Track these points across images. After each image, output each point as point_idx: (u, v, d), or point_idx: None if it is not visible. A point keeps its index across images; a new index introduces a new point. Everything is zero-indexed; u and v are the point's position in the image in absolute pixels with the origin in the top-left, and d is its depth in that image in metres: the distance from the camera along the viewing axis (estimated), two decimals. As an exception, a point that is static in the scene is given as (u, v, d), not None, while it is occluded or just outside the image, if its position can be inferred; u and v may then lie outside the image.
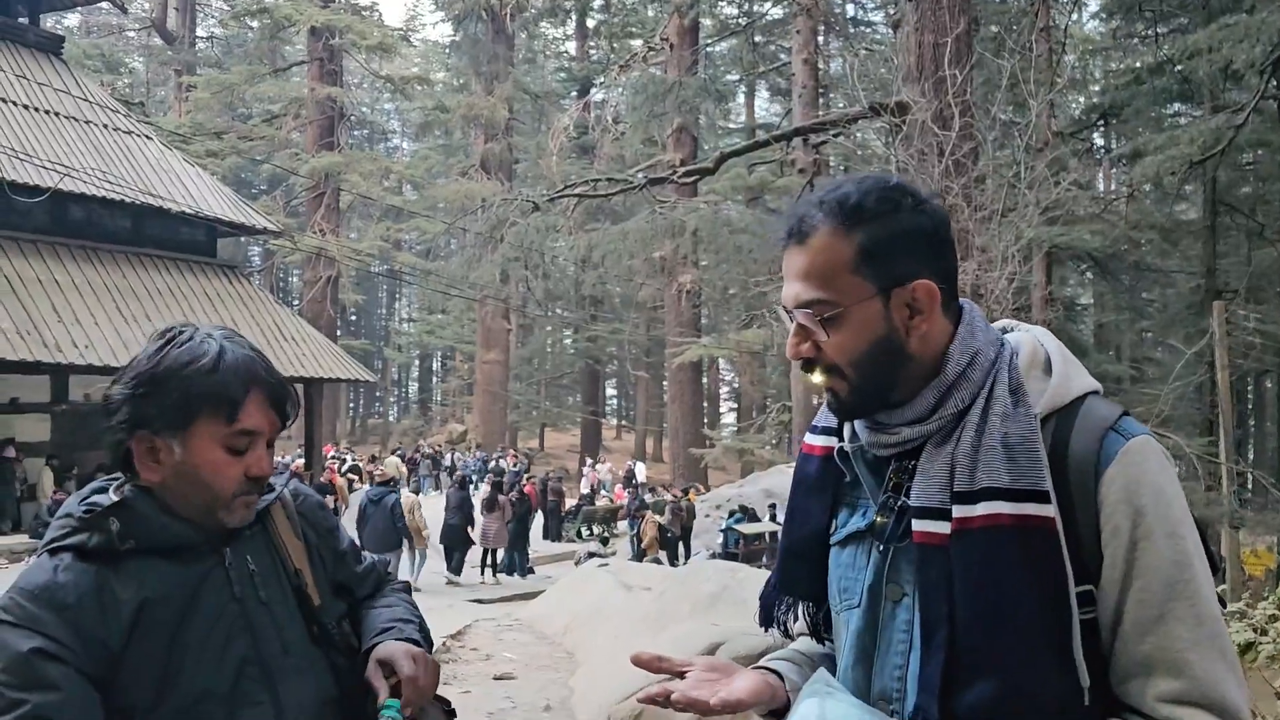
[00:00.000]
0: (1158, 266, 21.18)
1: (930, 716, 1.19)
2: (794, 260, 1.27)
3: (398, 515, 12.82)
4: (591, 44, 40.02)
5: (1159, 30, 17.99)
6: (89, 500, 1.40)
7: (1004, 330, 1.36)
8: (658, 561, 16.16)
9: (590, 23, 39.05)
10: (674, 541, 17.88)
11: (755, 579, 7.97)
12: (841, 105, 25.72)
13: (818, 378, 1.29)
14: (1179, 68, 14.93)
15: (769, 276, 12.05)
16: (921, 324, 1.25)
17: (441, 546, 15.21)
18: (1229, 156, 13.64)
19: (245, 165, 37.87)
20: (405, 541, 13.30)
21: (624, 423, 51.87)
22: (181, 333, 1.41)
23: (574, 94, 37.18)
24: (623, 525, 21.74)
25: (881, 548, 1.29)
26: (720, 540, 16.75)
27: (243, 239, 29.92)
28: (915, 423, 1.26)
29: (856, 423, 1.33)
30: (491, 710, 6.77)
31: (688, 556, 17.35)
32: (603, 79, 30.87)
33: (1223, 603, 1.33)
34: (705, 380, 35.66)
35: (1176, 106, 20.18)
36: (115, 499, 1.39)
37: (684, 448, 28.11)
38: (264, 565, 1.46)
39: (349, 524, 11.46)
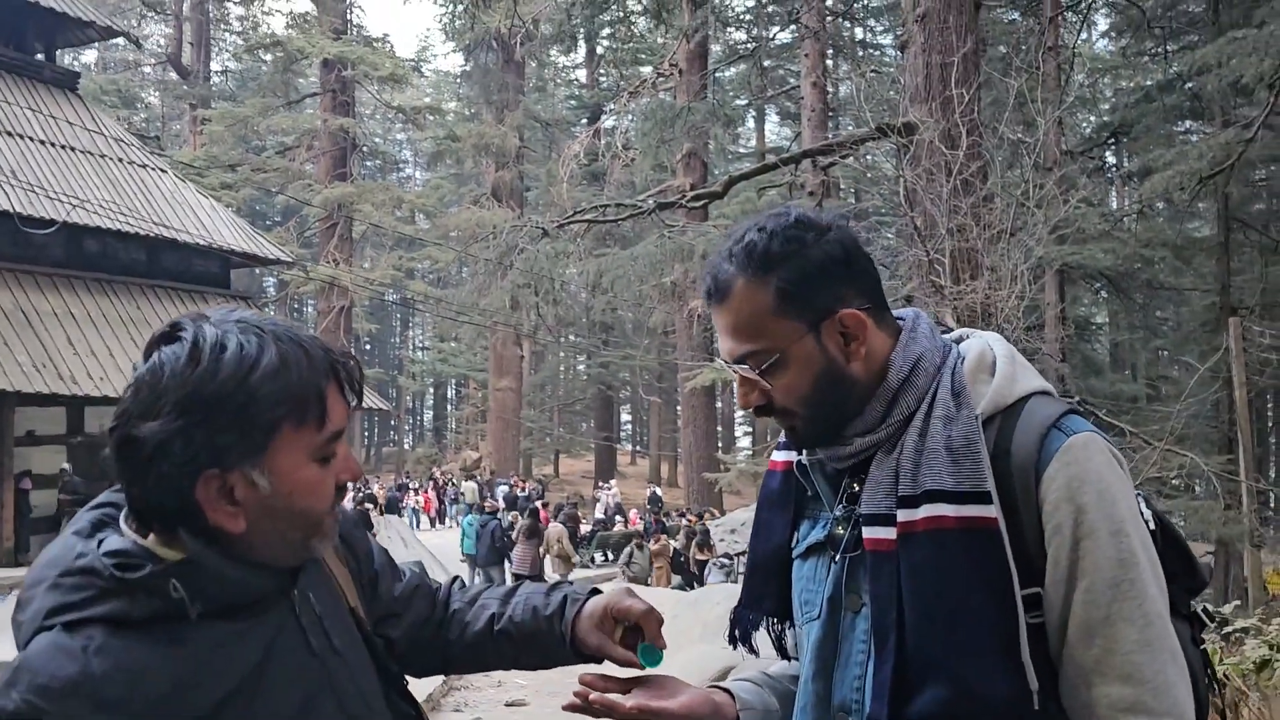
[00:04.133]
0: (1171, 284, 21.09)
1: None
2: (721, 318, 1.28)
3: (497, 538, 14.52)
4: (601, 71, 40.29)
5: (1169, 48, 18.03)
6: (113, 551, 1.03)
7: (959, 339, 1.36)
8: (686, 585, 16.12)
9: (599, 50, 39.37)
10: (687, 566, 17.79)
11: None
12: (850, 127, 25.80)
13: (777, 420, 1.31)
14: (1189, 84, 14.94)
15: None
16: (859, 347, 1.26)
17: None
18: (1240, 172, 13.60)
19: (259, 197, 38.23)
20: (506, 561, 14.82)
21: (638, 448, 51.76)
22: (199, 334, 1.05)
23: (584, 121, 37.44)
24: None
25: (838, 558, 1.29)
26: (725, 563, 16.62)
27: (257, 270, 30.15)
28: (867, 433, 1.27)
29: None
30: (504, 738, 6.71)
31: (702, 580, 17.24)
32: (612, 105, 31.09)
33: (1210, 617, 1.30)
34: (719, 404, 35.59)
35: (1188, 124, 20.17)
36: (164, 551, 1.04)
37: (698, 472, 28.00)
38: (328, 605, 1.20)
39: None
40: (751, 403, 1.28)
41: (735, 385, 1.30)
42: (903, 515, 1.20)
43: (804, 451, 1.36)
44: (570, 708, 1.28)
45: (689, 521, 19.99)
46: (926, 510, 1.19)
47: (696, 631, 7.15)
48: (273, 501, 1.06)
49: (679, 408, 36.08)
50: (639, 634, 1.31)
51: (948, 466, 1.19)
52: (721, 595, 8.05)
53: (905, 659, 1.18)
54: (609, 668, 1.32)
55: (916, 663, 1.17)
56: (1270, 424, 29.98)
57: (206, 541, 1.05)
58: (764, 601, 1.44)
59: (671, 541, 17.80)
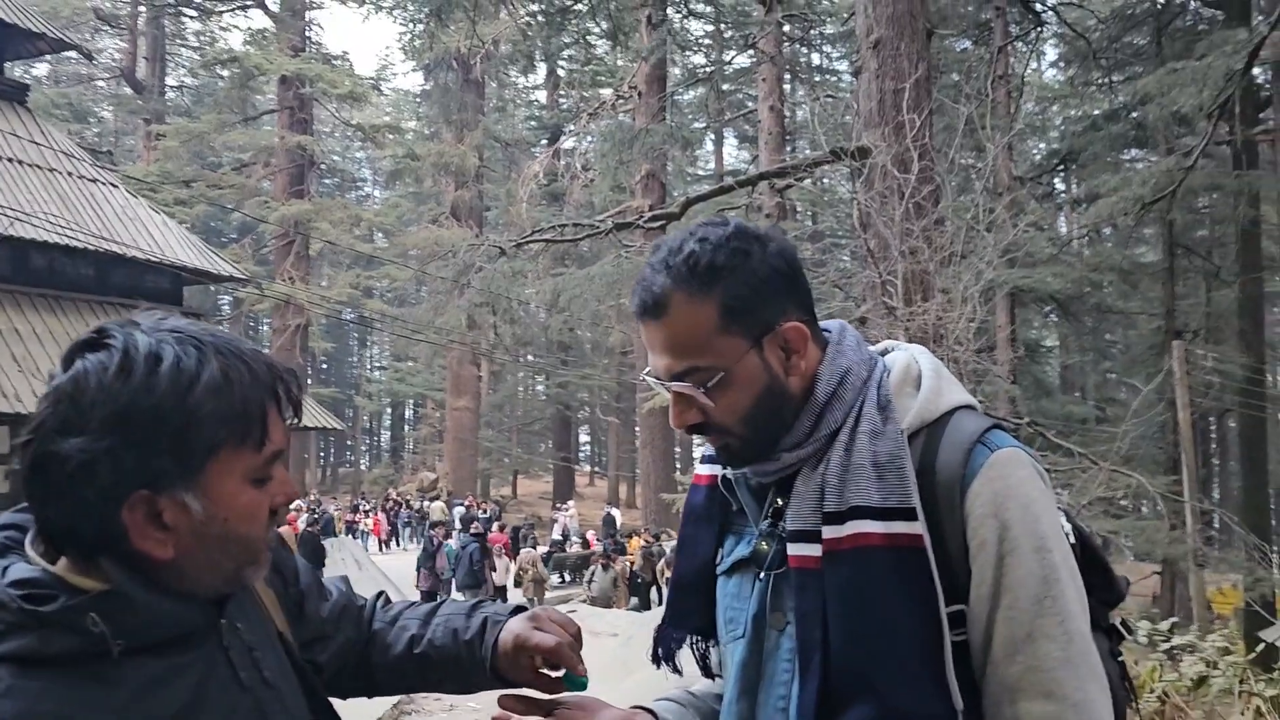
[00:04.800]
0: (1119, 308, 21.52)
1: None
2: (655, 333, 1.22)
3: (476, 561, 15.22)
4: (561, 93, 40.42)
5: (1114, 78, 18.47)
6: (20, 580, 0.93)
7: (884, 351, 1.34)
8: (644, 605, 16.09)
9: (560, 71, 39.52)
10: (644, 587, 17.74)
11: (723, 623, 7.89)
12: (806, 150, 26.10)
13: (707, 438, 1.28)
14: (1133, 114, 15.33)
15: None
16: (799, 361, 1.23)
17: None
18: (1183, 199, 13.94)
19: (214, 213, 37.76)
20: (485, 584, 15.41)
21: (596, 469, 51.62)
22: (130, 342, 0.95)
23: (544, 142, 37.49)
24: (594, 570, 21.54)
25: (763, 575, 1.26)
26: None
27: (212, 287, 29.74)
28: (794, 448, 1.23)
29: None
30: (454, 762, 6.62)
31: (660, 602, 17.21)
32: (572, 126, 31.17)
33: (1129, 630, 1.32)
34: (677, 425, 35.61)
35: (1132, 152, 20.66)
36: (79, 580, 0.94)
37: (655, 493, 27.98)
38: (257, 633, 1.11)
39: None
40: (687, 421, 1.23)
41: (669, 404, 1.26)
42: (829, 532, 1.18)
43: (728, 466, 1.33)
44: None
45: (645, 543, 19.95)
46: (852, 527, 1.17)
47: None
48: (206, 527, 0.97)
49: (637, 428, 36.10)
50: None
51: (874, 482, 1.17)
52: (676, 615, 8.02)
53: (831, 678, 1.16)
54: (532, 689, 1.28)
55: (842, 682, 1.15)
56: (1214, 445, 30.64)
57: (130, 569, 0.95)
58: (689, 619, 1.40)
59: (626, 562, 17.75)
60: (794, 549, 1.21)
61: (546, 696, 1.27)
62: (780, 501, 1.27)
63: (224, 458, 0.97)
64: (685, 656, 1.43)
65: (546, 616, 1.30)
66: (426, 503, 30.66)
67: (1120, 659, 1.31)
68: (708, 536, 1.37)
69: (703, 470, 1.41)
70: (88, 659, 0.91)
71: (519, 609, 1.35)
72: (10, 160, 16.62)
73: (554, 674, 1.27)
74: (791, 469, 1.25)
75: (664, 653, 1.44)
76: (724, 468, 1.34)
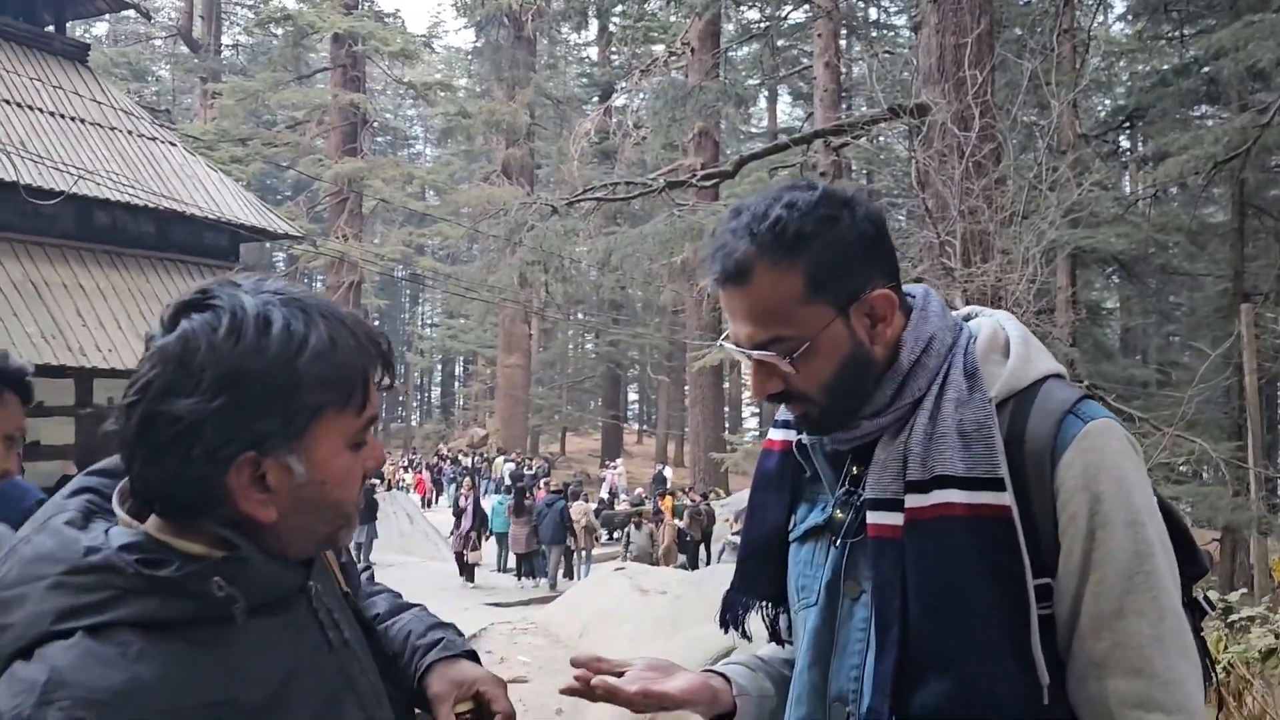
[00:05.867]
0: (1185, 270, 20.94)
1: (883, 717, 1.15)
2: (737, 301, 1.18)
3: (566, 517, 16.51)
4: (613, 49, 40.04)
5: (1185, 31, 17.81)
6: (128, 545, 0.92)
7: (967, 317, 1.31)
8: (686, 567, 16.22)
9: (611, 27, 39.12)
10: (693, 546, 17.84)
11: (773, 584, 7.89)
12: (863, 108, 25.62)
13: (788, 405, 1.25)
14: (1205, 69, 14.78)
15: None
16: (885, 330, 1.20)
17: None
18: (1256, 158, 13.46)
19: (270, 171, 38.19)
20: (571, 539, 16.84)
21: (645, 427, 51.82)
22: (237, 304, 0.95)
23: (596, 99, 37.23)
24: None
25: (839, 543, 1.25)
26: (736, 542, 16.65)
27: (267, 244, 30.16)
28: (874, 415, 1.21)
29: None
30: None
31: (708, 561, 17.29)
32: (624, 84, 30.91)
33: (1211, 605, 1.27)
34: (727, 384, 35.58)
35: (1204, 108, 19.95)
36: (180, 543, 0.94)
37: (704, 452, 28.03)
38: (333, 596, 1.13)
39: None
40: (767, 390, 1.21)
41: (749, 372, 1.24)
42: (911, 501, 1.16)
43: (805, 433, 1.30)
44: (569, 691, 1.24)
45: (692, 501, 20.00)
46: (936, 496, 1.14)
47: (700, 611, 7.13)
48: (306, 490, 0.98)
49: (686, 387, 36.10)
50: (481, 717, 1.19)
51: (959, 451, 1.14)
52: (728, 576, 8.03)
53: (908, 651, 1.14)
54: (602, 650, 1.27)
55: (920, 655, 1.13)
56: (1280, 412, 29.85)
57: (244, 535, 0.96)
58: (758, 585, 1.40)
59: (676, 521, 17.84)
60: (873, 517, 1.19)
61: (619, 659, 1.27)
62: (857, 469, 1.25)
63: (326, 421, 0.98)
64: (753, 621, 1.43)
65: (479, 688, 1.20)
66: (487, 460, 31.12)
67: (1201, 634, 1.27)
68: (779, 502, 1.35)
69: (775, 435, 1.38)
70: (203, 623, 0.92)
71: (473, 653, 1.27)
72: (73, 119, 16.92)
73: None
74: (871, 437, 1.22)
75: (732, 618, 1.44)
76: (798, 433, 1.32)
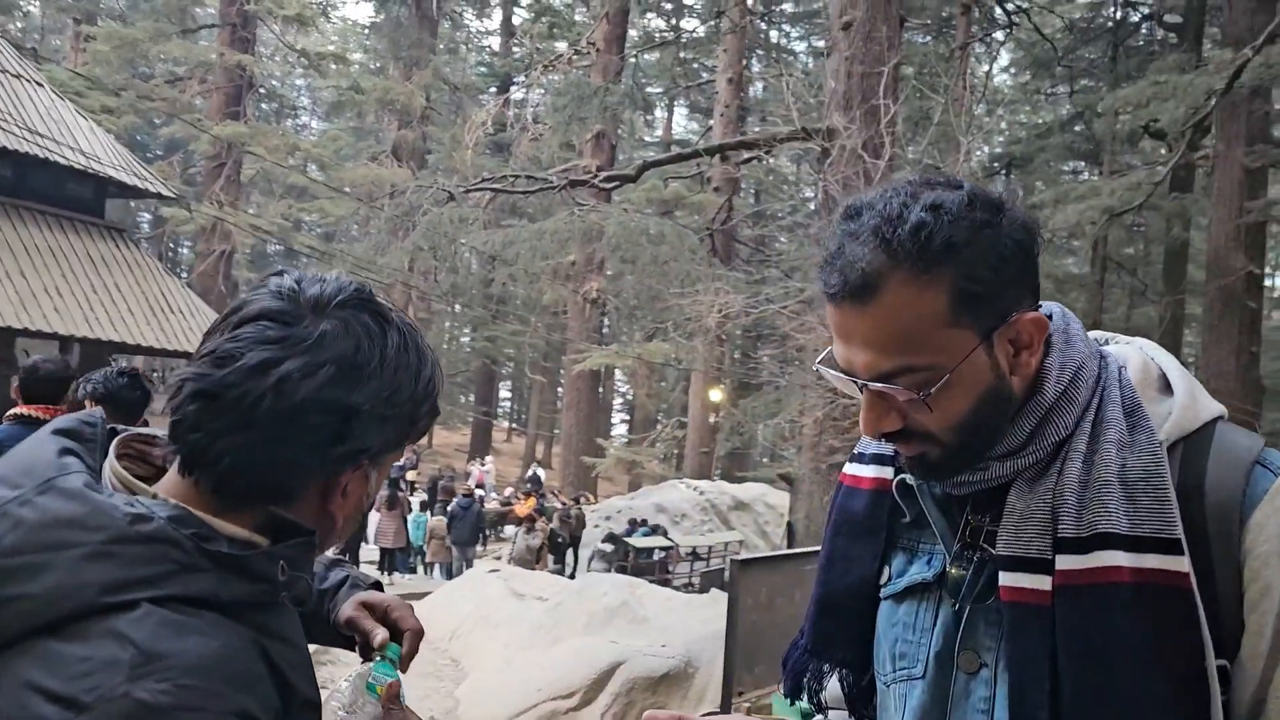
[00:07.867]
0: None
1: None
2: (856, 321, 0.98)
3: (480, 519, 17.17)
4: (516, 41, 39.65)
5: (1066, 88, 18.83)
6: (177, 517, 0.86)
7: (1100, 342, 1.14)
8: (559, 571, 16.08)
9: (515, 20, 38.74)
10: (563, 548, 17.74)
11: (655, 595, 7.85)
12: (758, 128, 26.05)
13: (900, 445, 1.05)
14: (1080, 127, 15.66)
15: (681, 290, 12.02)
16: (1030, 359, 1.01)
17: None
18: (1121, 216, 14.35)
19: (142, 127, 36.20)
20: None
21: (515, 426, 51.37)
22: (399, 318, 1.00)
23: (493, 90, 36.77)
24: (509, 530, 21.47)
25: (956, 606, 1.05)
26: (606, 550, 16.61)
27: (132, 202, 28.54)
28: (1008, 456, 1.02)
29: None
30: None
31: (575, 564, 17.22)
32: (524, 77, 30.57)
33: None
34: (601, 389, 35.60)
35: (1074, 164, 21.13)
36: (223, 525, 0.89)
37: (576, 455, 27.95)
38: None
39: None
40: (883, 428, 1.01)
41: (861, 406, 1.03)
42: (1065, 563, 0.97)
43: (918, 477, 1.09)
44: None
45: (563, 503, 19.91)
46: (1097, 559, 0.96)
47: (581, 621, 7.00)
48: (359, 502, 1.00)
49: (561, 389, 35.95)
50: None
51: (1122, 504, 0.96)
52: (609, 585, 7.90)
53: None
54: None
55: None
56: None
57: (312, 526, 0.95)
58: (835, 647, 1.18)
59: (549, 524, 17.69)
60: (1010, 579, 1.00)
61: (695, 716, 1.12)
62: (974, 518, 1.06)
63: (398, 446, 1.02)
64: (830, 689, 1.24)
65: (386, 605, 1.22)
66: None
67: None
68: (869, 551, 1.15)
69: (862, 472, 1.18)
70: (252, 607, 0.89)
71: (378, 584, 1.29)
72: (-72, 45, 15.63)
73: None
74: (1000, 481, 1.03)
75: (803, 685, 1.22)
76: (898, 473, 1.13)
